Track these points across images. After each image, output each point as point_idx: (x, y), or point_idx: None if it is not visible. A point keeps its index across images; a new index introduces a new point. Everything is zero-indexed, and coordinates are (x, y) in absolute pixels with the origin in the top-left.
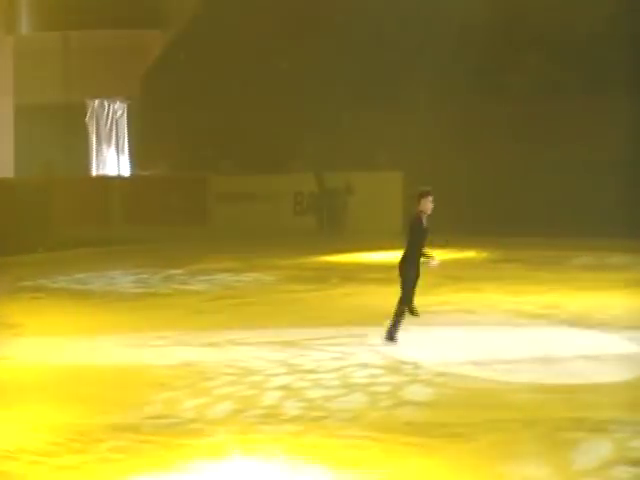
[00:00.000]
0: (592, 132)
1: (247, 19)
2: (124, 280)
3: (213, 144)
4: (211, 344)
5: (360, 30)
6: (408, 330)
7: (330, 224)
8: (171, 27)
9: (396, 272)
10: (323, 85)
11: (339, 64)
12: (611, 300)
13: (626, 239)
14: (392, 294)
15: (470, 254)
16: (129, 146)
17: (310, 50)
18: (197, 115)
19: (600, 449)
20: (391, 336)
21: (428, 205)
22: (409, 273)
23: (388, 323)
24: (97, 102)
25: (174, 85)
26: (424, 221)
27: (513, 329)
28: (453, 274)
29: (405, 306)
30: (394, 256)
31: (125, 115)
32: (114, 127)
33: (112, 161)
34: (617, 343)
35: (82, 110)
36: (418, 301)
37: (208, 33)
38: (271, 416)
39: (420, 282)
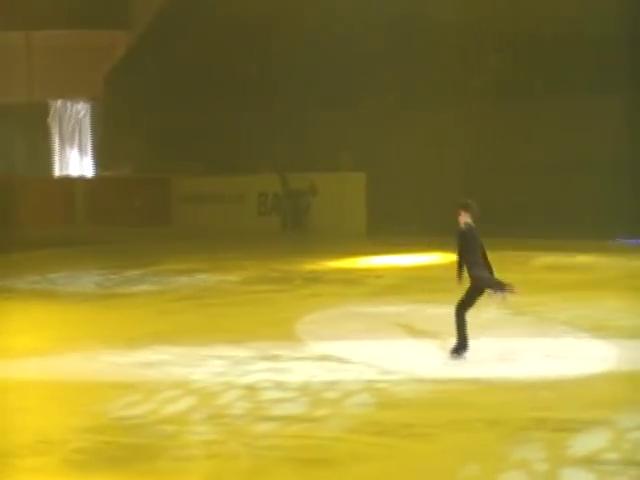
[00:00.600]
0: (557, 132)
1: (213, 19)
2: (88, 281)
3: (177, 145)
4: (175, 348)
5: (326, 31)
6: (376, 331)
7: (294, 225)
8: (135, 27)
9: (359, 273)
10: (288, 86)
11: (303, 65)
12: (572, 300)
13: (594, 240)
14: (356, 295)
15: (434, 255)
16: (92, 147)
17: (276, 51)
18: (161, 116)
19: (562, 448)
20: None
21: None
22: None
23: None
24: (60, 102)
25: (138, 86)
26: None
27: (478, 330)
28: (419, 275)
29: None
30: (358, 257)
31: (88, 115)
32: (77, 127)
33: (75, 162)
34: (580, 343)
35: (45, 110)
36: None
37: (173, 33)
38: (241, 417)
39: (386, 283)
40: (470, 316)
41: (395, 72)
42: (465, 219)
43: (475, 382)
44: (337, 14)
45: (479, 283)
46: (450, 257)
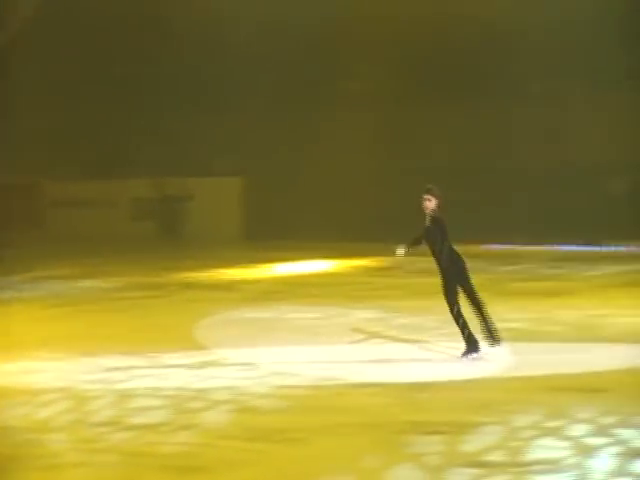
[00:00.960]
0: (429, 140)
1: (83, 22)
2: None
3: (49, 149)
4: (51, 355)
5: (203, 35)
6: (253, 337)
7: (169, 230)
8: (3, 30)
9: (234, 279)
10: (163, 89)
11: (177, 70)
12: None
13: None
14: (232, 301)
15: (312, 261)
16: None
17: (152, 53)
18: (31, 120)
19: (438, 451)
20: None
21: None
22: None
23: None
24: None
25: (7, 89)
26: (426, 220)
27: (355, 332)
28: (296, 281)
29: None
30: (233, 263)
31: None
32: None
33: None
34: (458, 346)
35: None
36: None
37: (42, 36)
38: (112, 424)
39: (262, 288)
40: (344, 316)
41: (272, 77)
42: (432, 206)
43: (350, 386)
44: (215, 18)
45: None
46: (326, 262)
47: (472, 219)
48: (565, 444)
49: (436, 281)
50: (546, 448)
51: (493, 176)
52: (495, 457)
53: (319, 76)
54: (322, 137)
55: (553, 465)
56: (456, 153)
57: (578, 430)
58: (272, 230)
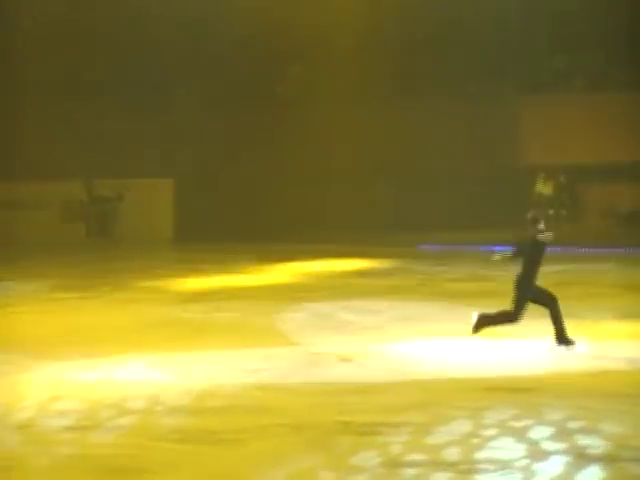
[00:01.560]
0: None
1: (6, 24)
2: None
3: None
4: None
5: (130, 36)
6: (187, 338)
7: (100, 232)
8: None
9: (166, 279)
10: (91, 92)
11: (108, 71)
12: (378, 305)
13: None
14: (163, 302)
15: (240, 262)
16: None
17: (79, 56)
18: None
19: (366, 452)
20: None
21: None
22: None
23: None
24: None
25: None
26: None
27: (283, 334)
28: (224, 282)
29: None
30: (165, 263)
31: None
32: None
33: None
34: (385, 349)
35: None
36: None
37: None
38: (39, 426)
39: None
40: (271, 317)
41: (200, 80)
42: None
43: (280, 387)
44: (144, 18)
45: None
46: (254, 264)
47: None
48: (495, 444)
49: (367, 282)
50: (467, 447)
51: (414, 176)
52: (421, 457)
53: (249, 77)
54: (252, 139)
55: (478, 465)
56: (363, 155)
57: (493, 430)
58: (201, 232)
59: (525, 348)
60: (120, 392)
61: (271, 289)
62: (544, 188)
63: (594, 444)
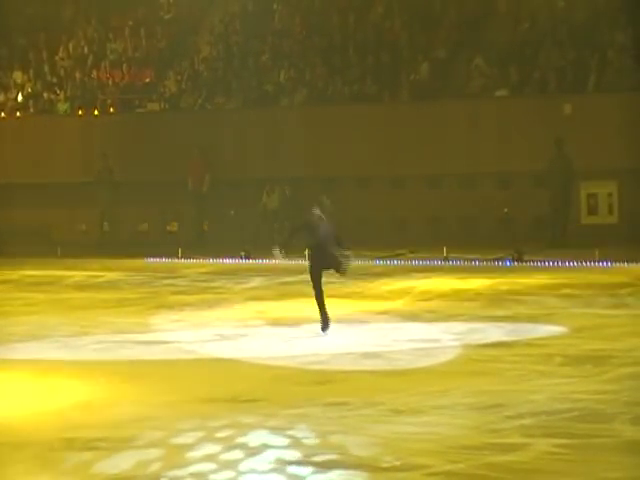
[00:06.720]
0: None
1: None
2: None
3: None
4: None
5: None
6: None
7: None
8: None
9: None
10: None
11: None
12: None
13: None
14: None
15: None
16: None
17: None
18: None
19: (90, 467)
20: None
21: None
22: None
23: None
24: None
25: None
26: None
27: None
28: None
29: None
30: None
31: None
32: None
33: None
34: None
35: None
36: None
37: None
38: None
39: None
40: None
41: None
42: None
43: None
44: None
45: None
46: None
47: None
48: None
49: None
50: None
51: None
52: (145, 471)
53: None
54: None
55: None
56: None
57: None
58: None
59: (257, 360)
60: None
61: None
62: (269, 201)
63: None
